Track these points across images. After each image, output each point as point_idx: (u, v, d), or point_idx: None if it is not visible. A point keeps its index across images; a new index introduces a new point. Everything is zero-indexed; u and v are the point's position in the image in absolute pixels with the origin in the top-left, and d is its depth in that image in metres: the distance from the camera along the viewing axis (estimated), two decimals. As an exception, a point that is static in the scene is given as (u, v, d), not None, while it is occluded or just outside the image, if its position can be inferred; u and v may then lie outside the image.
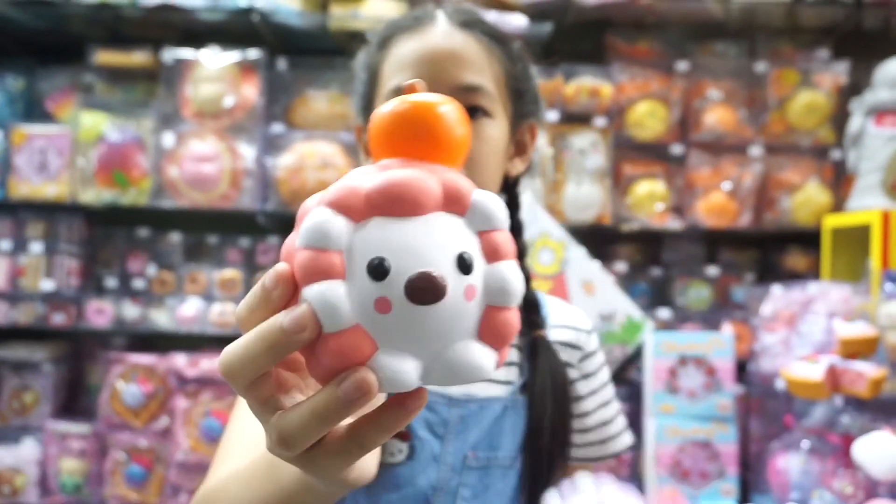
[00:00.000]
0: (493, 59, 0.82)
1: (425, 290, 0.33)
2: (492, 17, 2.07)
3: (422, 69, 0.79)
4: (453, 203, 0.36)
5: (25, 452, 2.10)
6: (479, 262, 0.36)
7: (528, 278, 0.89)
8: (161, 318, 2.16)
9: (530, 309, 0.88)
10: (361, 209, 0.35)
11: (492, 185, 0.82)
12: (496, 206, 0.37)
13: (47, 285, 2.14)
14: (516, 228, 0.90)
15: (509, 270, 0.36)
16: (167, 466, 2.04)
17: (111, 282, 2.22)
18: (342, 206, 0.35)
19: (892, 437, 1.47)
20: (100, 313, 2.15)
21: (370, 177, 0.35)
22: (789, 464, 1.69)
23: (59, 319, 2.14)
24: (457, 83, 0.79)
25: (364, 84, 0.87)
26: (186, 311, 2.13)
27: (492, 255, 0.36)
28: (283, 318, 0.34)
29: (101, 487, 2.07)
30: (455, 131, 0.37)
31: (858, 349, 1.59)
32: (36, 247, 2.16)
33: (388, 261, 0.33)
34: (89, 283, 2.22)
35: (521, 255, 0.90)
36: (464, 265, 0.35)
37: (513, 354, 0.86)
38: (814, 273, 2.16)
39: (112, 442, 2.07)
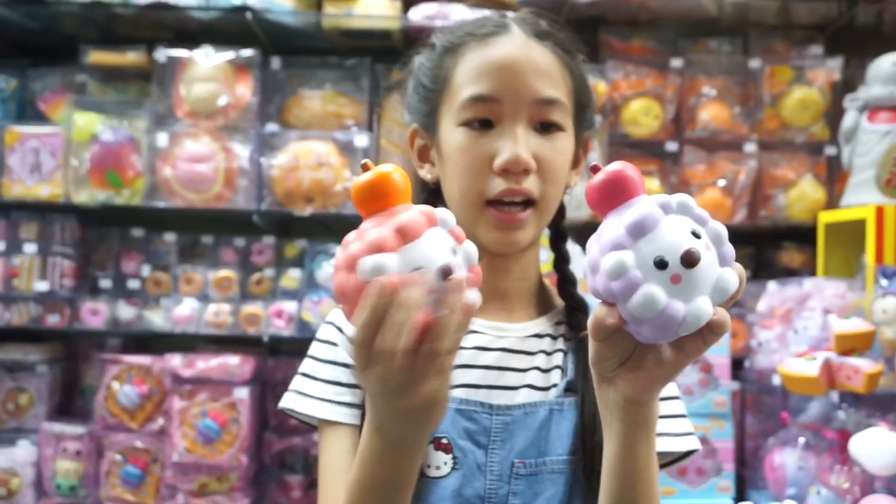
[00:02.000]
0: (565, 72, 0.83)
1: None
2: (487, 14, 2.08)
3: (500, 78, 0.79)
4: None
5: (21, 454, 2.09)
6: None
7: (573, 282, 0.89)
8: (156, 319, 2.15)
9: (579, 310, 0.87)
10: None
11: (559, 197, 0.84)
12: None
13: (41, 286, 2.13)
14: (562, 236, 0.91)
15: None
16: (163, 467, 2.04)
17: (105, 282, 2.21)
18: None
19: (889, 433, 1.47)
20: (94, 314, 2.14)
21: (386, 228, 0.58)
22: (786, 460, 1.70)
23: (53, 320, 2.13)
24: (536, 96, 0.79)
25: (429, 90, 0.85)
26: (181, 312, 2.13)
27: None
28: None
29: (96, 489, 2.06)
30: (404, 186, 0.60)
31: (854, 345, 1.60)
32: (29, 248, 2.15)
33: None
34: (83, 284, 2.21)
35: (566, 260, 0.90)
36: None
37: (556, 358, 0.85)
38: (809, 269, 2.17)
39: (108, 443, 2.06)
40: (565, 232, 0.92)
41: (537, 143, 0.80)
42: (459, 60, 0.82)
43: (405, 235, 0.56)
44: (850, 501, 1.54)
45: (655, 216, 0.55)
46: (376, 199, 0.59)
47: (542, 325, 0.86)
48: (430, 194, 0.88)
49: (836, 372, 1.58)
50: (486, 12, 0.94)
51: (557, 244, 0.91)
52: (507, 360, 0.83)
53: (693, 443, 0.85)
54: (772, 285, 1.93)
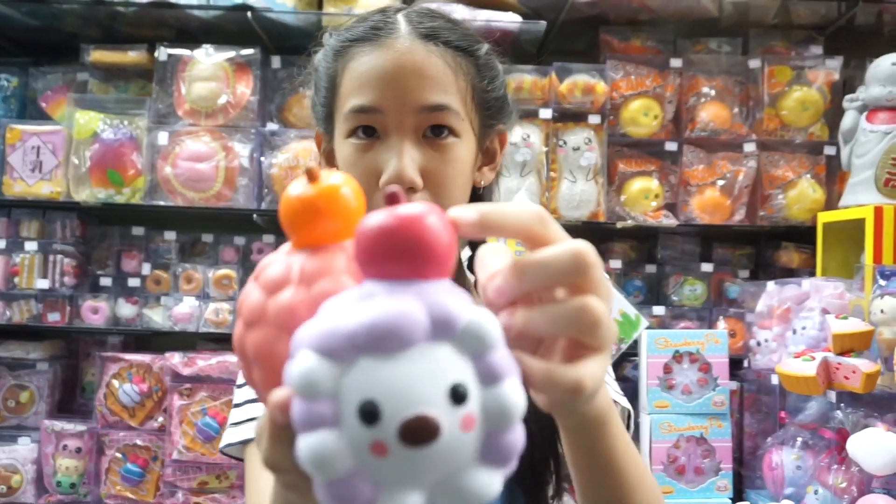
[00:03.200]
0: (458, 74, 0.77)
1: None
2: (485, 15, 2.08)
3: (383, 88, 0.74)
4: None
5: (21, 451, 2.10)
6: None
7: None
8: (156, 317, 2.16)
9: None
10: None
11: (460, 201, 0.79)
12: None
13: (42, 284, 2.13)
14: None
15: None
16: (163, 465, 2.04)
17: (106, 281, 2.21)
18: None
19: (886, 433, 1.47)
20: (95, 312, 2.14)
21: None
22: (783, 459, 1.70)
23: (54, 318, 2.14)
24: (421, 104, 0.74)
25: (324, 93, 0.82)
26: (181, 310, 2.13)
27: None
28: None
29: (97, 486, 2.07)
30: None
31: (852, 344, 1.60)
32: (30, 245, 2.15)
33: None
34: (84, 282, 2.22)
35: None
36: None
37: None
38: (808, 269, 2.17)
39: (108, 441, 2.07)
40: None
41: (425, 156, 0.75)
42: (346, 66, 0.78)
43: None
44: (848, 501, 1.54)
45: (411, 331, 0.34)
46: (314, 224, 0.41)
47: None
48: None
49: (834, 372, 1.58)
50: (485, 11, 0.91)
51: (475, 244, 0.87)
52: None
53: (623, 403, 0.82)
54: (770, 285, 1.93)
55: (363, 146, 0.76)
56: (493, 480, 0.36)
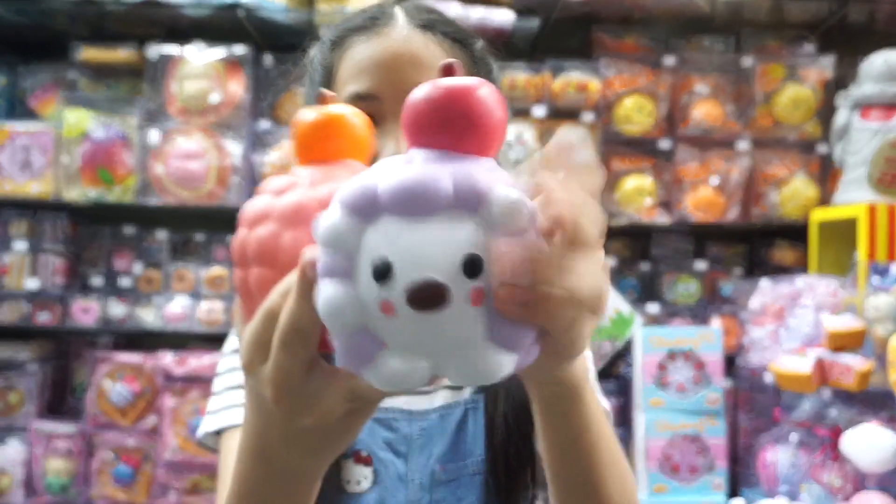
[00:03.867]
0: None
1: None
2: (479, 13, 2.07)
3: (380, 75, 0.75)
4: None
5: (10, 453, 2.08)
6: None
7: None
8: (148, 317, 2.14)
9: None
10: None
11: None
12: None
13: (32, 284, 2.12)
14: None
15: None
16: (155, 465, 2.03)
17: (97, 280, 2.20)
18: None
19: (880, 430, 1.47)
20: (85, 312, 2.13)
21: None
22: (778, 457, 1.70)
23: (44, 318, 2.12)
24: None
25: (319, 84, 0.81)
26: (173, 310, 2.12)
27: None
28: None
29: (88, 487, 2.05)
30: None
31: (846, 342, 1.60)
32: (20, 245, 2.14)
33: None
34: (74, 282, 2.20)
35: None
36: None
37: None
38: (801, 267, 2.17)
39: (99, 441, 2.05)
40: None
41: None
42: (343, 56, 0.78)
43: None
44: (842, 498, 1.54)
45: (435, 198, 0.34)
46: (322, 142, 0.43)
47: None
48: None
49: (828, 369, 1.58)
50: (478, 7, 0.91)
51: None
52: None
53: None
54: (764, 283, 1.93)
55: None
56: (501, 361, 0.35)
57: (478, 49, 0.81)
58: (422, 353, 0.35)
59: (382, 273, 0.34)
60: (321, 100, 0.44)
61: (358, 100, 0.75)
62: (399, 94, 0.73)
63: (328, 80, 0.80)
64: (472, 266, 0.34)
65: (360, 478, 0.74)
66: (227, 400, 0.78)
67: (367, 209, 0.35)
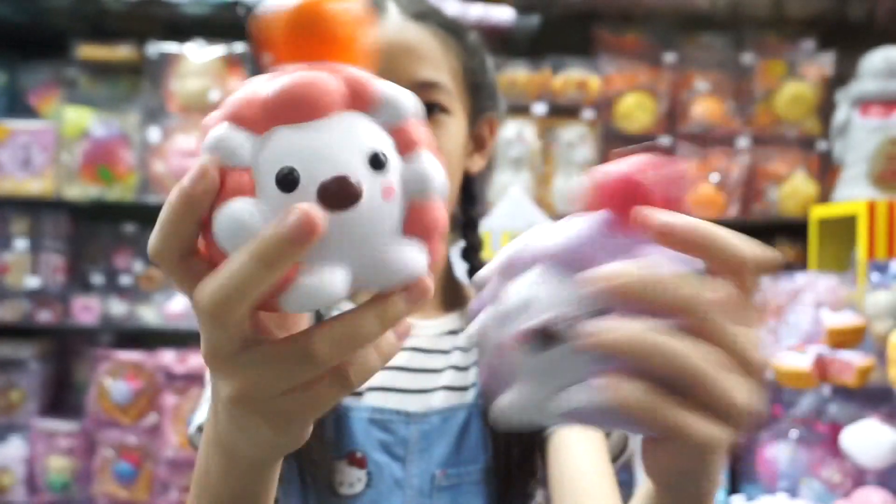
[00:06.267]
0: (448, 53, 0.77)
1: (338, 195, 0.32)
2: (479, 10, 2.07)
3: (374, 65, 0.74)
4: (359, 99, 0.34)
5: (12, 451, 2.08)
6: (394, 159, 0.34)
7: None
8: (148, 315, 2.14)
9: None
10: (262, 119, 0.33)
11: (452, 183, 0.77)
12: (404, 96, 0.35)
13: (32, 282, 2.12)
14: (471, 224, 0.85)
15: (427, 161, 0.35)
16: (156, 463, 2.03)
17: (97, 278, 2.20)
18: (241, 119, 0.33)
19: (880, 426, 1.48)
20: (86, 310, 2.13)
21: (267, 84, 0.33)
22: (778, 453, 1.70)
23: (44, 317, 2.12)
24: (412, 79, 0.73)
25: None
26: (174, 307, 2.12)
27: (406, 147, 0.35)
28: (182, 182, 0.33)
29: (89, 485, 2.06)
30: (350, 26, 0.36)
31: (845, 339, 1.60)
32: (20, 243, 2.14)
33: (297, 170, 0.32)
34: (75, 280, 2.20)
35: (476, 248, 0.85)
36: (377, 163, 0.33)
37: (474, 354, 0.76)
38: (801, 264, 2.17)
39: (100, 439, 2.05)
40: (476, 219, 0.85)
41: None
42: None
43: (291, 109, 0.32)
44: (842, 494, 1.55)
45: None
46: (308, 38, 0.35)
47: (455, 321, 0.80)
48: None
49: (828, 366, 1.58)
50: (478, 4, 0.90)
51: (467, 233, 0.85)
52: (419, 360, 0.76)
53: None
54: (763, 280, 1.93)
55: None
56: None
57: (470, 40, 0.81)
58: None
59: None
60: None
61: None
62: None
63: None
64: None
65: (354, 480, 0.71)
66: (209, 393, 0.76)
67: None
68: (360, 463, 0.72)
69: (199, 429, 0.74)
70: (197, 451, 0.71)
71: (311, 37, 0.35)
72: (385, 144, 0.34)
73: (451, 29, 0.78)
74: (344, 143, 0.33)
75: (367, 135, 0.34)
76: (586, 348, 0.33)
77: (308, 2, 0.35)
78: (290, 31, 0.35)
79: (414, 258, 0.34)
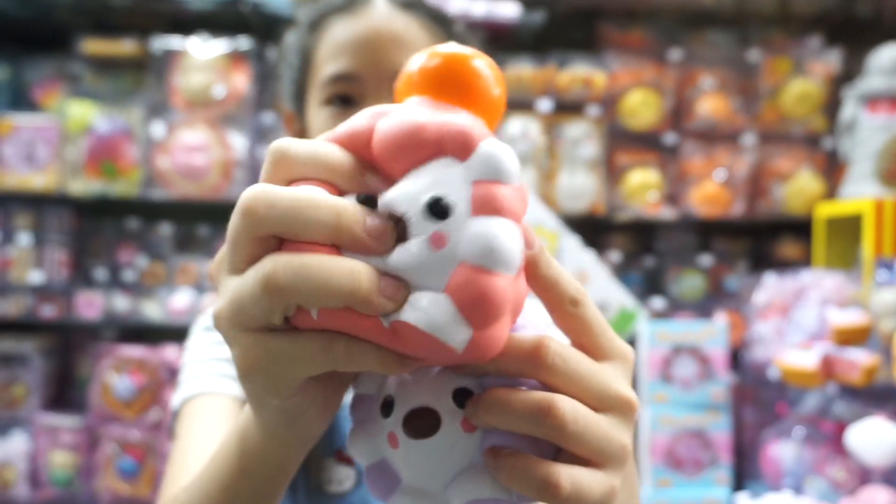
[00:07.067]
0: (435, 43, 0.75)
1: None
2: (483, 6, 2.06)
3: (361, 54, 0.73)
4: (460, 148, 0.32)
5: (15, 446, 2.08)
6: (463, 210, 0.31)
7: None
8: (152, 310, 2.14)
9: None
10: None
11: None
12: (505, 156, 0.32)
13: (36, 277, 2.12)
14: None
15: (499, 227, 0.31)
16: (159, 459, 2.03)
17: (101, 273, 2.20)
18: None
19: (885, 424, 1.47)
20: (89, 305, 2.13)
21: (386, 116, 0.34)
22: (783, 451, 1.70)
23: (48, 312, 2.12)
24: (398, 68, 0.71)
25: (295, 69, 0.80)
26: (177, 303, 2.12)
27: (482, 207, 0.31)
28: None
29: (92, 480, 2.05)
30: (490, 90, 0.34)
31: (851, 337, 1.60)
32: (24, 238, 2.13)
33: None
34: (79, 275, 2.20)
35: None
36: (437, 210, 0.31)
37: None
38: (806, 261, 2.17)
39: (103, 435, 2.05)
40: None
41: None
42: (322, 36, 0.77)
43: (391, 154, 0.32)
44: (847, 493, 1.54)
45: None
46: (451, 90, 0.34)
47: None
48: None
49: (834, 364, 1.58)
50: (486, 2, 0.90)
51: None
52: None
53: None
54: (769, 278, 1.92)
55: (339, 112, 0.74)
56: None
57: (458, 30, 0.80)
58: (425, 484, 0.34)
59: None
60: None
61: (338, 80, 0.74)
62: (380, 74, 0.73)
63: (306, 63, 0.79)
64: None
65: (342, 478, 0.70)
66: (197, 371, 0.73)
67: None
68: (348, 460, 0.70)
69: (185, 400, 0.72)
70: (174, 433, 0.70)
71: (451, 86, 0.34)
72: (460, 195, 0.31)
73: (438, 19, 0.78)
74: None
75: (446, 181, 0.32)
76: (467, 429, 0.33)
77: (449, 56, 0.34)
78: (432, 78, 0.34)
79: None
